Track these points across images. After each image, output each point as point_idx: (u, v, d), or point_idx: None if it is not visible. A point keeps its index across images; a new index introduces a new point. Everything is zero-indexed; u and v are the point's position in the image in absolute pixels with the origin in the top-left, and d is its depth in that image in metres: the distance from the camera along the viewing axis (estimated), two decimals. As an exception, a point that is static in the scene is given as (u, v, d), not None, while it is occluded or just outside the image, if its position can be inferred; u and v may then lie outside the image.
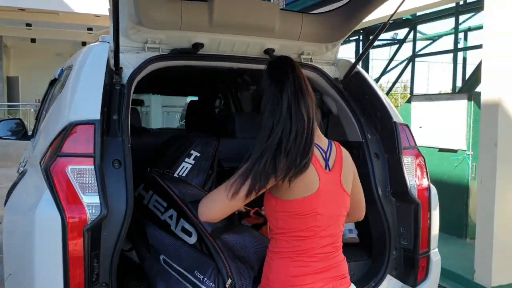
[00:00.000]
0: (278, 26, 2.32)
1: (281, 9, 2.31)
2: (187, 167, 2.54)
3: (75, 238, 1.72)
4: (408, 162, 2.33)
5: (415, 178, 2.33)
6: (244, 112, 3.89)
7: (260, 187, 1.56)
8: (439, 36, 8.33)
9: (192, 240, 1.93)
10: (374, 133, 2.42)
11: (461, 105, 5.72)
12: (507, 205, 4.33)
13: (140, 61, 2.15)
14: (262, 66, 2.48)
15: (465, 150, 5.73)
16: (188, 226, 1.96)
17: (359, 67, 2.57)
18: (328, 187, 1.67)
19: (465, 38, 6.86)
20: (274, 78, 1.70)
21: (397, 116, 2.41)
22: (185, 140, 2.72)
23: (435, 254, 2.40)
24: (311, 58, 2.54)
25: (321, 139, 1.72)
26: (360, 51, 8.48)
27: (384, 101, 2.44)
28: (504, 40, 4.26)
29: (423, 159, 2.40)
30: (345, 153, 1.79)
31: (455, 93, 6.22)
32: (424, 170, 2.38)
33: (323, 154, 1.70)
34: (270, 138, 1.60)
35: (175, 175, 2.48)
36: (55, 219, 1.71)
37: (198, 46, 2.30)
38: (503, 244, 4.31)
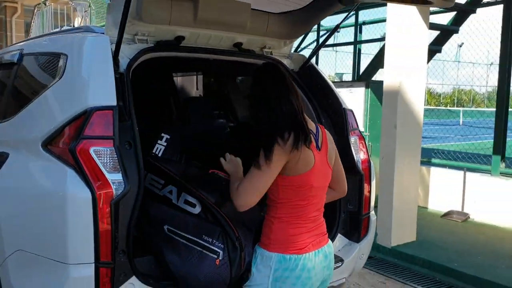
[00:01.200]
0: (249, 23, 2.67)
1: (252, 8, 2.66)
2: (161, 149, 2.79)
3: (104, 212, 1.94)
4: (353, 141, 2.84)
5: (359, 154, 2.84)
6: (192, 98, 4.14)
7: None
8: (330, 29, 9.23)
9: (196, 210, 2.20)
10: (326, 117, 2.88)
11: (360, 92, 6.52)
12: (404, 178, 5.14)
13: (134, 52, 2.36)
14: (229, 58, 2.83)
15: (362, 132, 6.54)
16: (191, 199, 2.22)
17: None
18: (320, 163, 2.10)
19: (360, 31, 7.72)
20: (266, 77, 2.11)
21: (344, 103, 2.90)
22: (153, 124, 2.96)
23: (372, 215, 2.96)
24: (271, 52, 2.93)
25: (311, 124, 2.13)
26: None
27: (334, 90, 2.91)
28: (403, 34, 5.00)
29: (363, 138, 2.93)
30: (328, 134, 2.23)
31: (355, 81, 7.02)
32: (365, 147, 2.91)
33: (314, 136, 2.11)
34: (273, 120, 2.00)
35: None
36: (86, 196, 1.92)
37: (180, 38, 2.56)
38: (400, 210, 5.12)
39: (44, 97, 2.36)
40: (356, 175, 2.80)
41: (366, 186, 2.84)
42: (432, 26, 5.58)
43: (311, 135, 2.07)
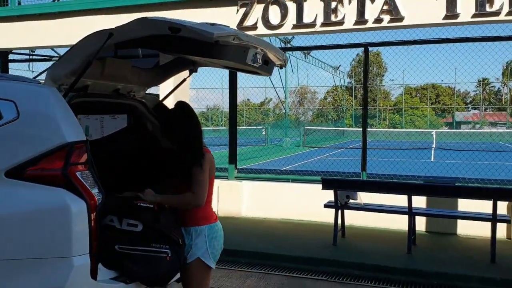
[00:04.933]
0: (129, 76, 3.67)
1: (132, 66, 3.66)
2: None
3: (93, 216, 2.73)
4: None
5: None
6: None
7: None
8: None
9: (139, 228, 2.94)
10: None
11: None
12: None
13: (67, 98, 3.08)
14: (111, 100, 3.72)
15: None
16: (133, 221, 2.95)
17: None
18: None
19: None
20: (182, 115, 3.27)
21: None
22: None
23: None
24: (134, 95, 3.94)
25: None
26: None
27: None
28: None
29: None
30: None
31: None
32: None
33: None
34: (192, 144, 3.19)
35: None
36: (82, 206, 2.68)
37: (87, 87, 3.36)
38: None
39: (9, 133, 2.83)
40: None
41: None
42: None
43: None
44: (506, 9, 5.31)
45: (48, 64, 11.51)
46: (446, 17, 5.53)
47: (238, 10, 6.34)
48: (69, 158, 2.74)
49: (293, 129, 31.92)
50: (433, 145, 26.91)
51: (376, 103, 48.66)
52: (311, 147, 26.86)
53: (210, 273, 3.29)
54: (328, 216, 7.47)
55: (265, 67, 3.50)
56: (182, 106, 3.34)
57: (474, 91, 54.34)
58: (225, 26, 2.89)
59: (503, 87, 52.99)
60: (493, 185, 7.45)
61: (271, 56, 3.48)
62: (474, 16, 5.41)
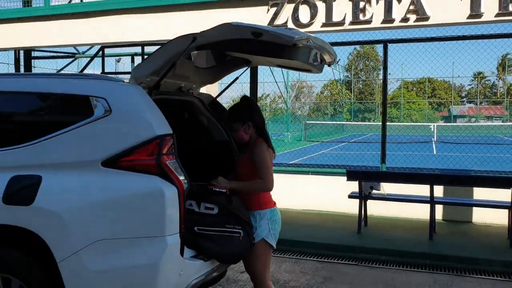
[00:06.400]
0: (192, 76, 3.98)
1: (195, 66, 3.98)
2: None
3: (182, 200, 3.05)
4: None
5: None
6: None
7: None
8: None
9: (215, 211, 3.29)
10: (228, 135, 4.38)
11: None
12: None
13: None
14: (174, 97, 4.04)
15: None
16: (209, 205, 3.29)
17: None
18: None
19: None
20: (243, 110, 3.60)
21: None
22: None
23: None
24: (192, 92, 4.25)
25: None
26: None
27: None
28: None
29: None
30: None
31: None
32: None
33: None
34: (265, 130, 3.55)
35: None
36: (174, 191, 3.00)
37: (160, 85, 3.67)
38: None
39: (86, 129, 3.14)
40: None
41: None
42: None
43: None
44: (528, 9, 5.67)
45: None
46: (470, 17, 5.88)
47: (268, 10, 6.65)
48: (161, 149, 3.06)
49: (293, 124, 32.25)
50: (434, 139, 27.39)
51: (373, 97, 49.12)
52: (314, 141, 27.22)
53: (271, 252, 3.63)
54: (346, 207, 7.87)
55: (319, 65, 3.83)
56: (250, 99, 3.70)
57: (469, 84, 54.98)
58: (297, 30, 3.22)
59: (498, 81, 53.69)
60: (507, 175, 7.84)
61: (324, 55, 3.81)
62: (497, 15, 5.75)
